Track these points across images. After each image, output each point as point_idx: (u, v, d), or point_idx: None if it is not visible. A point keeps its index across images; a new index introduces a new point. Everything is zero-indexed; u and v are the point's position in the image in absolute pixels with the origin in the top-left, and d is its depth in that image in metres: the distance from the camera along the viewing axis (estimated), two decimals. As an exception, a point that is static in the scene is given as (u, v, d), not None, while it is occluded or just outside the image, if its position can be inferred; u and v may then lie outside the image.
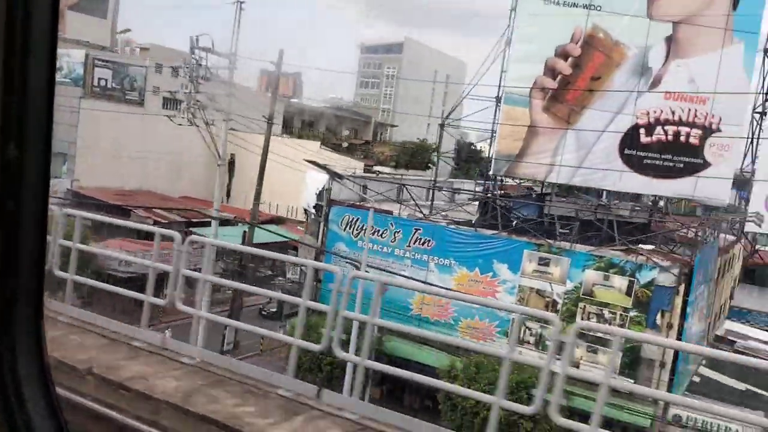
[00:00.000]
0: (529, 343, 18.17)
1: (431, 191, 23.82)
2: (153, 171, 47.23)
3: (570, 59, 22.38)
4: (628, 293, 17.51)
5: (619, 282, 17.62)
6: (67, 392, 4.73)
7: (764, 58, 23.22)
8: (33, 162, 1.79)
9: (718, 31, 22.55)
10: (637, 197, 25.15)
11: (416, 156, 48.04)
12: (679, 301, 16.74)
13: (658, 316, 17.08)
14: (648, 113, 22.75)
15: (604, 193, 24.36)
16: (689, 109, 22.82)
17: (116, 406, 5.08)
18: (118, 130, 42.85)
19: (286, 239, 27.35)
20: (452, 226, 20.66)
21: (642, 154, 22.88)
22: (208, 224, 25.07)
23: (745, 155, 23.64)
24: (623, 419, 16.20)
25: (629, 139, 22.78)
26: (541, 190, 24.22)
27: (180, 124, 22.21)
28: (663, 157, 22.93)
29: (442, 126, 23.18)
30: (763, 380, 20.44)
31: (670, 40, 22.51)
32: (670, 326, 16.91)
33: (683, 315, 16.85)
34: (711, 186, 23.23)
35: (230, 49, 21.81)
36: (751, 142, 23.17)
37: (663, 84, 22.65)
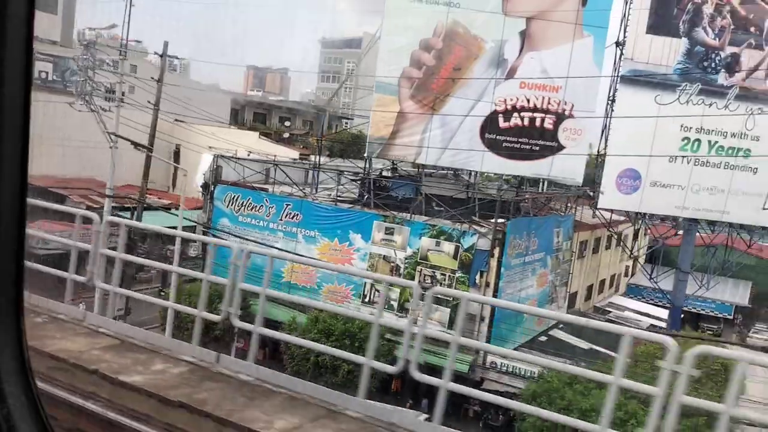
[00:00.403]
0: (366, 300, 20.55)
1: (316, 172, 26.10)
2: (93, 159, 49.13)
3: (433, 51, 24.71)
4: (455, 257, 19.92)
5: (448, 247, 20.03)
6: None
7: (616, 50, 25.70)
8: (10, 155, 1.75)
9: (569, 26, 25.02)
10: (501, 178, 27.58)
11: (351, 145, 50.32)
12: (494, 263, 19.15)
13: (478, 276, 19.51)
14: (505, 101, 25.16)
15: (473, 173, 26.68)
16: (543, 97, 25.28)
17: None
18: (60, 121, 44.71)
19: (193, 222, 29.48)
20: (316, 201, 22.99)
21: (501, 137, 25.29)
22: (147, 209, 26.88)
23: (602, 138, 26.20)
24: (443, 365, 18.58)
25: (489, 124, 25.18)
26: (418, 171, 26.52)
27: (80, 110, 24.33)
28: (520, 140, 25.38)
29: (323, 111, 25.45)
30: (608, 340, 22.94)
31: (523, 34, 24.92)
32: (487, 284, 19.35)
33: (498, 275, 19.28)
34: (566, 166, 25.77)
35: (124, 41, 23.92)
36: (604, 127, 25.67)
37: (518, 74, 25.08)
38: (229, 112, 61.80)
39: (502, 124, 25.26)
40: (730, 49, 25.76)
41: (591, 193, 25.56)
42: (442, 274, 20.05)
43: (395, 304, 20.30)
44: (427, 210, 22.34)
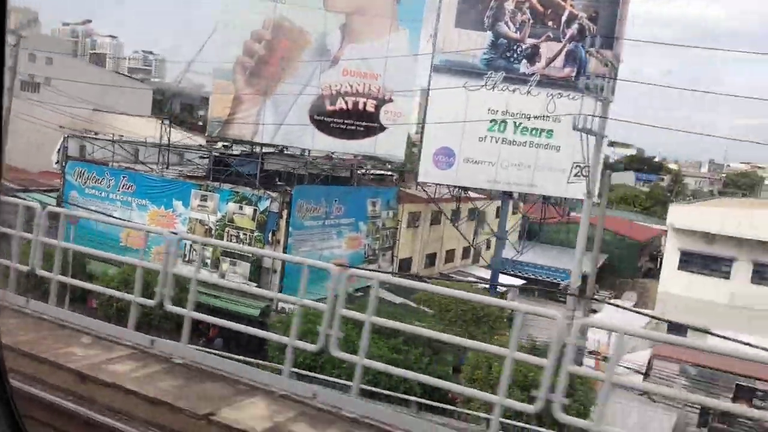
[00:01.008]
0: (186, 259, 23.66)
1: (167, 151, 29.08)
2: (14, 147, 51.39)
3: (263, 42, 27.84)
4: (254, 219, 23.17)
5: (248, 211, 23.27)
6: None
7: (429, 42, 29.10)
8: None
9: (386, 20, 28.37)
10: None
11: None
12: (283, 223, 22.46)
13: (270, 235, 22.80)
14: (330, 86, 28.43)
15: (308, 151, 29.83)
16: (364, 84, 28.60)
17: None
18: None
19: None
20: (147, 173, 26.07)
21: (328, 119, 28.57)
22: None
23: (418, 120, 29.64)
24: (240, 311, 21.76)
25: (317, 108, 28.42)
26: (261, 149, 29.61)
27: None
28: (345, 121, 28.68)
29: (171, 96, 28.46)
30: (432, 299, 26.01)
31: (344, 28, 28.19)
32: (278, 242, 22.64)
33: (287, 233, 22.59)
34: (388, 144, 29.17)
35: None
36: (420, 111, 29.14)
37: (341, 63, 28.34)
38: (151, 102, 64.35)
39: (328, 107, 28.52)
40: (530, 41, 29.35)
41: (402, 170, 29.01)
42: (245, 234, 23.30)
43: (209, 262, 23.53)
44: (236, 180, 25.49)
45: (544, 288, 37.82)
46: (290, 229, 22.82)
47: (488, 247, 42.96)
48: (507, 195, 31.35)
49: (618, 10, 29.34)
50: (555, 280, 41.42)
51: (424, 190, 30.50)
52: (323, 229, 24.74)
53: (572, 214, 34.88)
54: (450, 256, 36.96)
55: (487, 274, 38.59)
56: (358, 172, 30.02)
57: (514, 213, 46.65)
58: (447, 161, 29.52)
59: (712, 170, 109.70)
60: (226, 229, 23.67)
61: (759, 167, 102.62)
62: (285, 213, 22.47)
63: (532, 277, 42.29)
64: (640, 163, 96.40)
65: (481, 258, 41.70)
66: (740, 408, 15.34)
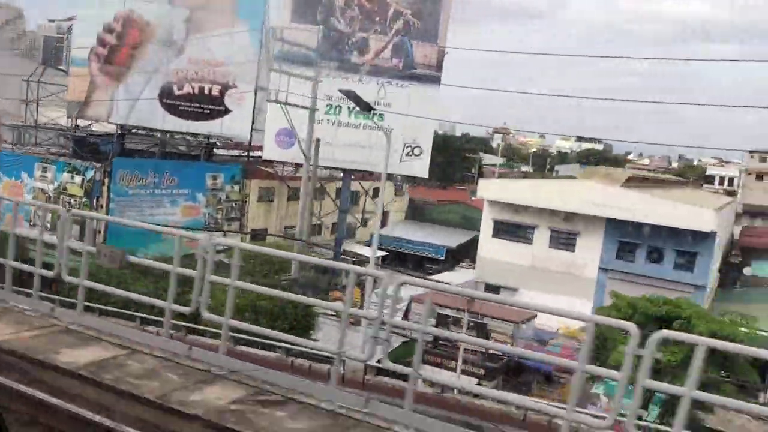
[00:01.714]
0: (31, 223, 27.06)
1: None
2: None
3: (114, 33, 31.21)
4: (82, 187, 26.65)
5: (79, 179, 26.73)
6: None
7: (268, 34, 32.59)
8: None
9: (227, 15, 31.86)
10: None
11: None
12: (105, 190, 25.96)
13: (95, 201, 26.27)
14: (177, 73, 31.88)
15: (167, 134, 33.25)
16: (209, 71, 32.08)
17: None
18: None
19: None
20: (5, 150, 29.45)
21: (177, 102, 32.01)
22: None
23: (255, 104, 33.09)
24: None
25: (166, 92, 31.85)
26: (118, 129, 32.93)
27: None
28: (193, 105, 32.16)
29: (36, 81, 31.83)
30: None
31: (188, 21, 31.63)
32: (101, 206, 26.13)
33: (108, 199, 26.11)
34: (234, 126, 32.69)
35: None
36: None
37: (187, 52, 31.80)
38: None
39: (176, 91, 31.98)
40: (360, 35, 32.99)
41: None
42: (75, 201, 26.77)
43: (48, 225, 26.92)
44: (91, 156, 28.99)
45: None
46: (112, 195, 26.29)
47: (364, 225, 46.79)
48: (347, 173, 35.00)
49: (439, 7, 33.09)
50: (425, 254, 45.38)
51: (273, 168, 34.10)
52: (153, 197, 28.22)
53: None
54: (317, 230, 40.52)
55: (360, 249, 42.42)
56: (215, 150, 33.53)
57: (398, 195, 50.63)
58: (288, 141, 33.05)
59: (681, 165, 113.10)
60: (61, 196, 27.09)
61: (725, 162, 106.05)
62: (107, 181, 25.91)
63: (407, 252, 46.25)
64: (598, 157, 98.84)
65: (357, 234, 45.52)
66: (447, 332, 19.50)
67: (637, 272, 29.93)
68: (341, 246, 35.88)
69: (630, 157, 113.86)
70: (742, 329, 16.14)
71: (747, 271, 38.39)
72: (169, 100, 31.93)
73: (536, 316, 23.83)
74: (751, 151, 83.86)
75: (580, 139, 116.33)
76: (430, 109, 33.88)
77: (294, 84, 32.36)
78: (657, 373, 5.90)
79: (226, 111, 32.36)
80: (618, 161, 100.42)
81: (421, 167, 35.11)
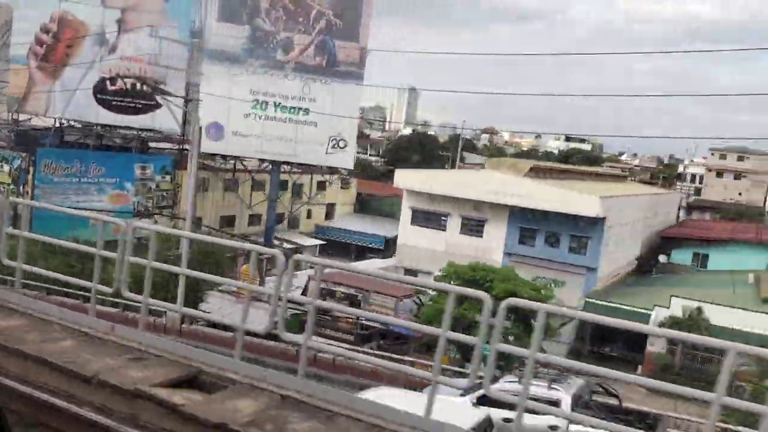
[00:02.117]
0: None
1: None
2: None
3: (51, 33, 33.28)
4: (10, 175, 28.74)
5: (7, 168, 28.82)
6: None
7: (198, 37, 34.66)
8: None
9: (157, 15, 33.92)
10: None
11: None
12: (30, 178, 28.06)
13: (21, 188, 28.35)
14: (111, 70, 33.96)
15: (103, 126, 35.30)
16: (140, 68, 34.14)
17: None
18: None
19: None
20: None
21: (110, 98, 34.09)
22: None
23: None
24: None
25: (99, 88, 33.92)
26: (59, 124, 35.02)
27: None
28: (125, 99, 34.24)
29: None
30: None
31: (120, 21, 33.70)
32: (27, 192, 28.22)
33: (33, 186, 28.19)
34: (164, 119, 34.71)
35: None
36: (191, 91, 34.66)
37: (119, 51, 33.87)
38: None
39: (109, 87, 34.06)
40: (284, 34, 35.08)
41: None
42: (3, 187, 28.87)
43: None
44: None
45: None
46: (36, 182, 28.38)
47: (309, 216, 48.91)
48: (275, 164, 37.04)
49: (360, 7, 35.20)
50: (367, 244, 47.48)
51: (205, 161, 36.12)
52: (79, 185, 30.31)
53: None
54: (256, 220, 42.61)
55: (304, 240, 44.54)
56: (151, 143, 35.63)
57: (344, 188, 52.66)
58: (218, 134, 35.16)
59: (660, 165, 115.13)
60: (-11, 183, 29.18)
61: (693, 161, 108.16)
62: (31, 170, 28.01)
63: (349, 242, 48.34)
64: (580, 156, 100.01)
65: (300, 224, 47.60)
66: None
67: (537, 256, 32.03)
68: (272, 234, 37.97)
69: (623, 157, 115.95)
70: (533, 291, 18.30)
71: (662, 258, 40.49)
72: (103, 95, 34.00)
73: (421, 291, 25.89)
74: (711, 149, 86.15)
75: (568, 139, 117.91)
76: (351, 105, 36.06)
77: (222, 80, 34.61)
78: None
79: (157, 106, 34.40)
80: (598, 160, 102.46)
81: (346, 159, 37.23)
